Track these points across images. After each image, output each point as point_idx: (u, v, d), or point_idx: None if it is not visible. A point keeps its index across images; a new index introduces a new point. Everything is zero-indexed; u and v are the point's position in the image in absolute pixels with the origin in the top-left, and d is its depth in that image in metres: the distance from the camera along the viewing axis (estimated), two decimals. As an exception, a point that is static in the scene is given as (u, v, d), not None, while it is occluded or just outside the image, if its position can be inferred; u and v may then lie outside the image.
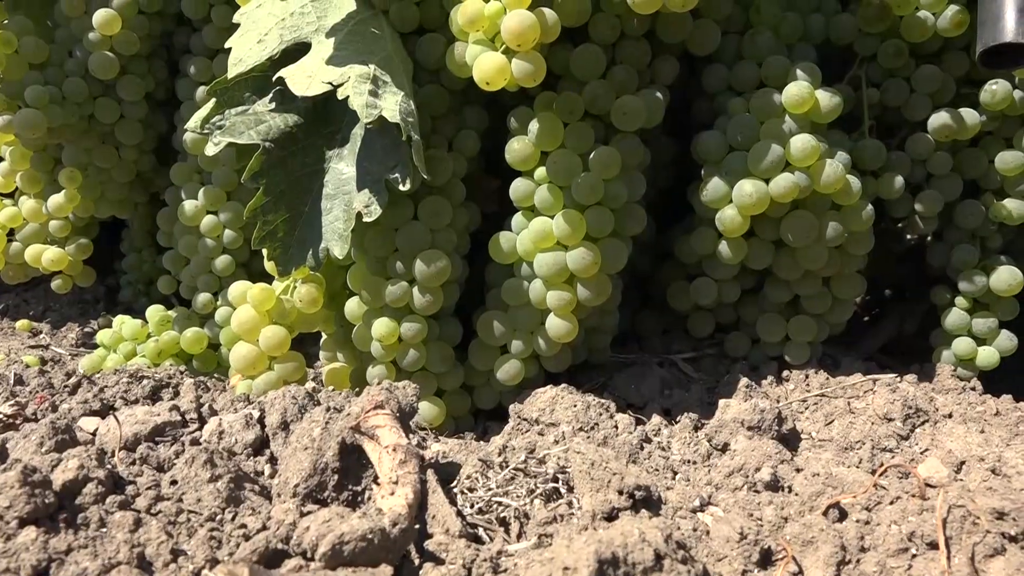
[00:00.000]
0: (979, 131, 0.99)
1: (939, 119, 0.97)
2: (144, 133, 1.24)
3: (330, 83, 0.83)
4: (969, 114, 0.97)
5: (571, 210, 0.88)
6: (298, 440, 0.67)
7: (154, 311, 1.24)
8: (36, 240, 1.36)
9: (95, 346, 1.41)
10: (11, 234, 1.37)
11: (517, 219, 0.93)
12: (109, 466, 0.65)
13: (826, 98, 0.90)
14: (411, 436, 0.78)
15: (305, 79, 0.83)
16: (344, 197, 0.90)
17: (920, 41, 0.96)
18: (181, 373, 1.10)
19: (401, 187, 0.86)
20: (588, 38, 0.90)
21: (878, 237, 1.02)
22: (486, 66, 0.79)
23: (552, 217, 0.90)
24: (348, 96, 0.82)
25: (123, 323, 1.25)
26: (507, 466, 0.66)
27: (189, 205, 1.20)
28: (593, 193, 0.88)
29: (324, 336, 1.06)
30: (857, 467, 0.74)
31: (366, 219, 0.87)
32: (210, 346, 1.22)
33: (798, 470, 0.71)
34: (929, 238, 1.07)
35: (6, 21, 1.17)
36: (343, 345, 1.03)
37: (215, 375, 1.20)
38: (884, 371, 1.05)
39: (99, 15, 1.13)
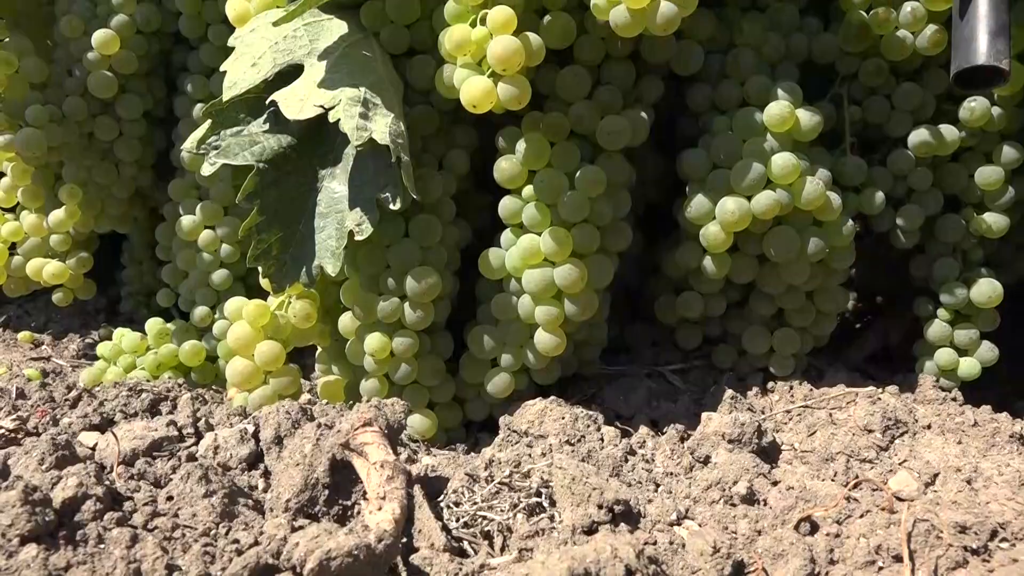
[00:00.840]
0: (959, 146, 1.01)
1: (919, 136, 0.99)
2: (143, 150, 1.26)
3: (321, 106, 0.85)
4: (948, 130, 0.99)
5: (558, 227, 0.91)
6: (290, 456, 0.69)
7: (153, 324, 1.26)
8: (37, 254, 1.38)
9: (96, 357, 1.43)
10: (12, 248, 1.40)
11: (506, 236, 0.96)
12: (107, 482, 0.67)
13: (807, 117, 0.92)
14: (400, 451, 0.80)
15: (297, 102, 0.86)
16: (337, 215, 0.92)
17: (900, 60, 0.98)
18: (180, 386, 1.12)
19: (392, 206, 0.89)
20: (574, 59, 0.92)
21: (868, 246, 1.04)
22: (473, 90, 0.81)
23: (540, 234, 0.92)
24: (339, 119, 0.84)
25: (123, 336, 1.27)
26: (492, 480, 0.69)
27: (187, 220, 1.22)
28: (579, 211, 0.90)
29: (319, 349, 1.09)
30: (832, 480, 0.76)
31: (358, 237, 0.89)
32: (208, 358, 1.24)
33: (774, 483, 0.73)
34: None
35: (6, 40, 1.20)
36: (337, 358, 1.05)
37: (213, 387, 1.22)
38: (868, 381, 1.08)
39: (98, 35, 1.15)
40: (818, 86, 1.02)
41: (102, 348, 1.28)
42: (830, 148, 1.01)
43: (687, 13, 0.83)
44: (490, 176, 0.95)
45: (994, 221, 1.03)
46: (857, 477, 0.74)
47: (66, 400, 1.06)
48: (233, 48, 0.93)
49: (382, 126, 0.85)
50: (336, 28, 0.94)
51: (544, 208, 0.91)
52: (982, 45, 0.79)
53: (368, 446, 0.65)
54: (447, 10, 0.88)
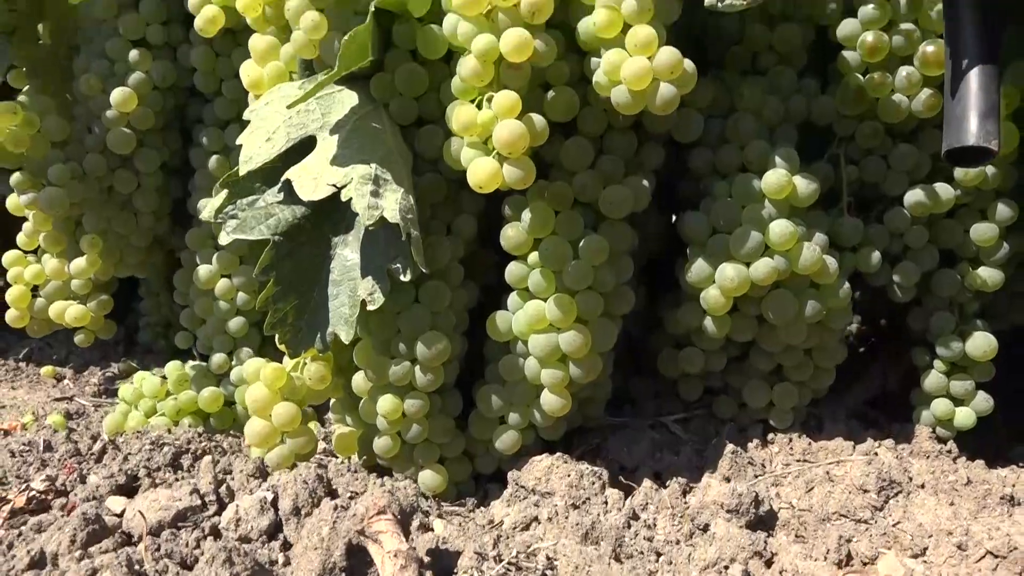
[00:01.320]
0: (954, 203, 1.03)
1: (915, 196, 1.02)
2: (160, 200, 1.30)
3: (334, 185, 0.88)
4: (944, 189, 1.02)
5: (563, 295, 0.94)
6: (308, 537, 0.73)
7: (173, 368, 1.30)
8: (59, 296, 1.42)
9: (116, 392, 1.48)
10: (35, 290, 1.44)
11: (513, 299, 0.99)
12: (137, 567, 0.71)
13: (804, 185, 0.95)
14: (412, 519, 0.84)
15: (311, 181, 0.89)
16: (349, 283, 0.96)
17: (896, 122, 1.01)
18: (200, 436, 1.16)
19: (402, 277, 0.92)
20: (577, 130, 0.95)
21: (865, 298, 1.07)
22: (480, 173, 0.84)
23: (545, 300, 0.95)
24: (351, 197, 0.87)
25: (143, 379, 1.32)
26: (501, 560, 0.72)
27: (204, 270, 1.26)
28: (583, 279, 0.93)
29: (333, 400, 1.12)
30: (824, 559, 0.79)
31: (370, 307, 0.93)
32: (226, 402, 1.28)
33: (768, 563, 0.76)
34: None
35: (24, 98, 1.24)
36: (351, 410, 1.09)
37: (231, 432, 1.27)
38: (866, 431, 1.11)
39: (116, 94, 1.18)
40: (816, 146, 1.04)
41: (123, 391, 1.32)
42: (828, 206, 1.03)
43: (686, 92, 0.87)
44: (497, 235, 0.98)
45: (989, 276, 1.05)
46: (850, 555, 0.77)
47: (91, 452, 1.11)
48: (248, 122, 0.97)
49: (392, 203, 0.89)
50: (347, 100, 0.97)
51: (549, 275, 0.95)
52: (972, 126, 0.82)
53: (382, 534, 0.68)
54: (453, 86, 0.91)
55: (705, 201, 1.00)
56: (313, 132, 0.95)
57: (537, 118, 0.86)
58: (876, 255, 1.02)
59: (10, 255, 1.39)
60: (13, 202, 1.27)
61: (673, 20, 0.89)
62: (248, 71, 1.06)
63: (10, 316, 1.41)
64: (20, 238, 1.37)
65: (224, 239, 0.96)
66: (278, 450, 1.01)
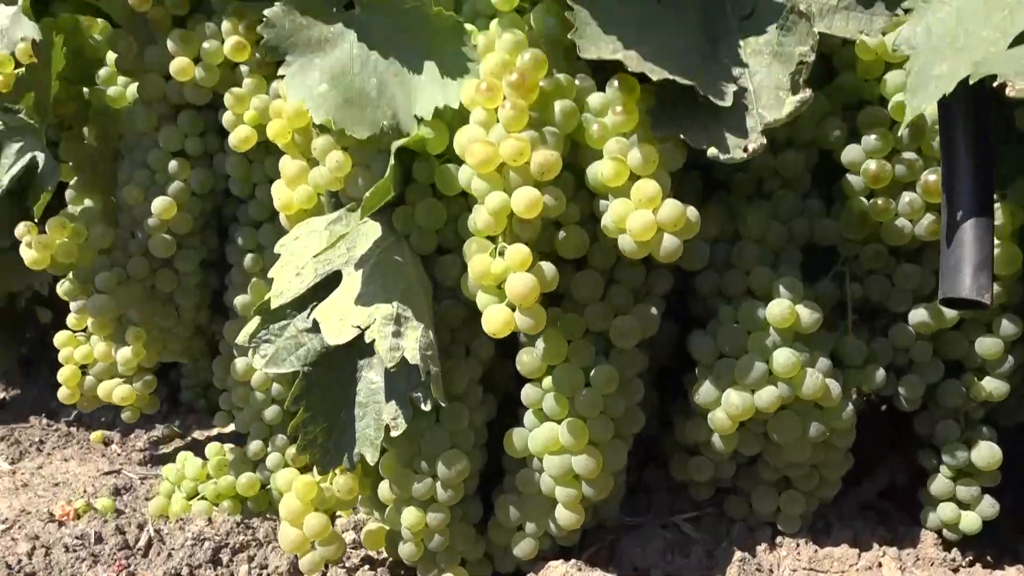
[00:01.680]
0: (959, 319, 1.06)
1: (919, 315, 1.05)
2: (200, 294, 1.38)
3: (358, 327, 0.95)
4: (948, 309, 1.05)
5: (575, 419, 0.99)
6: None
7: (214, 451, 1.39)
8: (106, 376, 1.50)
9: (161, 458, 1.58)
10: (83, 368, 1.53)
11: (529, 417, 1.04)
12: None
13: (807, 315, 0.99)
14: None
15: (337, 323, 0.95)
16: (374, 406, 1.02)
17: (900, 244, 1.04)
18: (238, 526, 1.24)
19: (423, 406, 0.98)
20: (587, 263, 1.00)
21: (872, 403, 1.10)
22: (494, 322, 0.89)
23: (559, 422, 1.00)
24: (374, 339, 0.94)
25: (186, 461, 1.40)
26: None
27: (240, 362, 1.33)
28: (595, 407, 0.98)
29: (362, 496, 1.19)
30: None
31: (393, 432, 0.99)
32: (262, 486, 1.36)
33: None
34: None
35: (71, 207, 1.32)
36: (379, 508, 1.16)
37: (267, 515, 1.34)
38: (875, 528, 1.15)
39: (157, 203, 1.25)
40: (821, 264, 1.08)
41: (167, 470, 1.41)
42: (832, 322, 1.07)
43: (690, 237, 0.91)
44: (514, 348, 1.03)
45: (994, 387, 1.08)
46: None
47: (138, 548, 1.19)
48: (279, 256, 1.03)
49: (412, 341, 0.95)
50: (371, 232, 1.03)
51: (563, 400, 1.00)
52: (966, 279, 0.85)
53: None
54: (469, 223, 0.96)
55: (712, 323, 1.04)
56: (339, 267, 1.01)
57: (548, 267, 0.91)
58: (880, 373, 1.05)
59: (61, 336, 1.47)
60: (64, 288, 1.36)
61: (678, 168, 0.94)
62: (279, 193, 1.12)
63: (62, 394, 1.49)
64: (70, 318, 1.46)
65: (258, 363, 1.03)
66: (309, 556, 1.08)
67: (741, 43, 0.97)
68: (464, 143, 0.91)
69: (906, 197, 1.01)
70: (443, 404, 0.96)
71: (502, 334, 0.90)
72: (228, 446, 1.41)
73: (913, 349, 1.07)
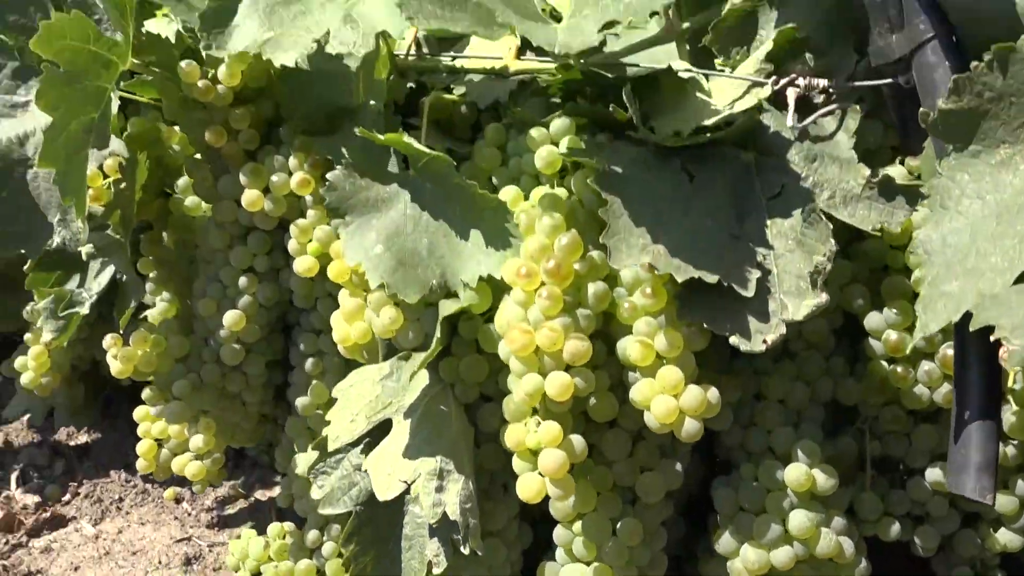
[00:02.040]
0: (976, 476, 1.11)
1: (935, 475, 1.10)
2: (265, 391, 1.50)
3: (404, 481, 1.04)
4: (964, 470, 1.09)
5: (603, 565, 1.07)
6: None
7: (275, 533, 1.51)
8: (180, 450, 1.64)
9: (229, 520, 1.72)
10: (158, 440, 1.67)
11: (560, 553, 1.13)
12: None
13: (823, 479, 1.05)
14: None
15: (385, 477, 1.05)
16: (419, 540, 1.12)
17: (918, 409, 1.09)
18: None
19: (463, 549, 1.08)
20: (616, 422, 1.08)
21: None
22: (527, 490, 0.98)
23: (588, 564, 1.09)
24: (418, 494, 1.03)
25: (250, 540, 1.53)
26: None
27: (301, 458, 1.45)
28: (621, 557, 1.06)
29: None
30: None
31: (435, 570, 1.09)
32: (318, 573, 1.48)
33: None
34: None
35: (150, 314, 1.45)
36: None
37: (322, 601, 1.47)
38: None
39: (228, 316, 1.37)
40: (842, 418, 1.14)
41: (233, 546, 1.54)
42: (851, 477, 1.12)
43: (711, 416, 0.98)
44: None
45: (1009, 540, 1.12)
46: None
47: (207, 634, 1.32)
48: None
49: (454, 495, 1.04)
50: (419, 381, 1.12)
51: (591, 545, 1.08)
52: (971, 480, 0.90)
53: None
54: (505, 401, 1.04)
55: (733, 477, 1.11)
56: (389, 415, 1.11)
57: (578, 441, 0.99)
58: (896, 527, 1.11)
59: (140, 411, 1.60)
60: (146, 395, 1.49)
61: (703, 347, 1.00)
62: (337, 327, 1.22)
63: (140, 464, 1.63)
64: (145, 393, 1.60)
65: (316, 493, 1.14)
66: (358, 663, 1.19)
67: (768, 222, 1.02)
68: (504, 326, 1.00)
69: (925, 366, 1.06)
70: (479, 553, 1.05)
71: (535, 501, 0.99)
72: (288, 526, 1.53)
73: (930, 503, 1.12)
